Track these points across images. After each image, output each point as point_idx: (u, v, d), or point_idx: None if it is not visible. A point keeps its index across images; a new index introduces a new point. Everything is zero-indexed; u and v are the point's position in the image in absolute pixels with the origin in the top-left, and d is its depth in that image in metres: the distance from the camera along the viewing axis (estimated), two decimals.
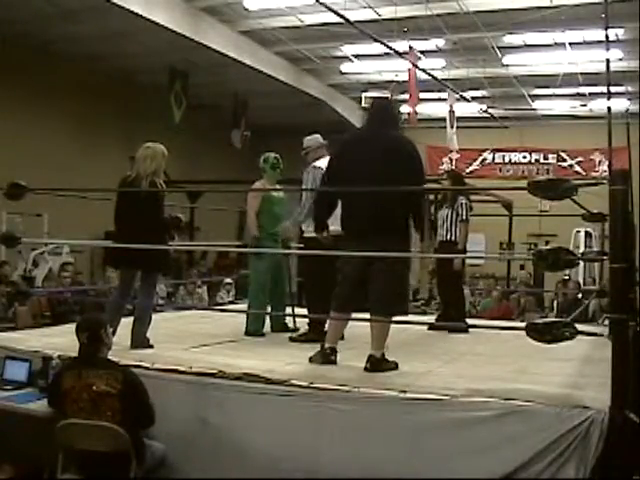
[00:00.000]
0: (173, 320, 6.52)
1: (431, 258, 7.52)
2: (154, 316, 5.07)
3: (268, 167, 5.84)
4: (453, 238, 6.50)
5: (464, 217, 6.51)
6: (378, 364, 4.17)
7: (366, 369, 4.15)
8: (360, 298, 4.32)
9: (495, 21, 11.16)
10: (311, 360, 4.32)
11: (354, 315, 4.43)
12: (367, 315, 4.33)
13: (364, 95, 14.92)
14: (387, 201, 4.18)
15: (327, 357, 4.29)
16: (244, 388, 3.80)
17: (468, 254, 7.48)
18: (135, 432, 3.54)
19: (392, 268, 4.21)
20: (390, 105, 4.75)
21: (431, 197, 11.80)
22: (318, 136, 5.69)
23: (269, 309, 5.85)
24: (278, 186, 5.94)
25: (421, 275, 12.53)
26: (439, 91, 14.07)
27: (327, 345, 4.33)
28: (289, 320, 5.95)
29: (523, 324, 3.60)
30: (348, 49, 13.52)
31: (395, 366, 4.23)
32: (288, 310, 6.04)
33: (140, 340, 4.76)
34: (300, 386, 3.72)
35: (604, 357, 3.63)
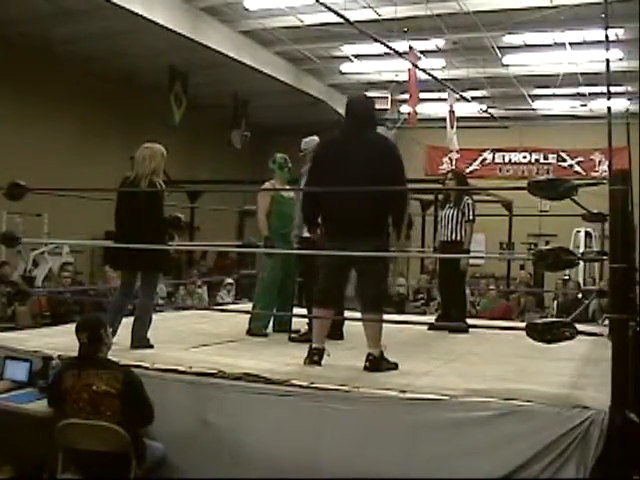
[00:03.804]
0: (173, 320, 6.52)
1: (433, 258, 7.52)
2: (154, 316, 5.07)
3: (276, 167, 5.86)
4: (458, 238, 6.46)
5: (470, 217, 6.48)
6: (377, 363, 4.18)
7: (366, 368, 4.16)
8: (340, 294, 4.44)
9: (495, 21, 11.16)
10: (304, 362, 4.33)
11: (352, 315, 4.45)
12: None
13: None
14: (366, 202, 4.20)
15: (311, 358, 4.30)
16: (244, 388, 3.80)
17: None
18: (135, 432, 3.54)
19: (375, 267, 4.26)
20: (366, 102, 4.68)
21: (431, 197, 11.82)
22: (316, 138, 5.68)
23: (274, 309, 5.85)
24: (287, 186, 5.94)
25: (411, 274, 12.54)
26: (439, 91, 14.07)
27: (314, 345, 4.34)
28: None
29: (523, 324, 3.60)
30: (348, 49, 13.52)
31: (395, 366, 4.24)
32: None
33: (140, 340, 4.76)
34: (300, 386, 3.72)
35: (604, 357, 3.64)
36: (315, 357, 4.29)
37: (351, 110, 4.53)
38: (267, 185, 5.88)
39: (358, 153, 4.28)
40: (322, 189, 4.39)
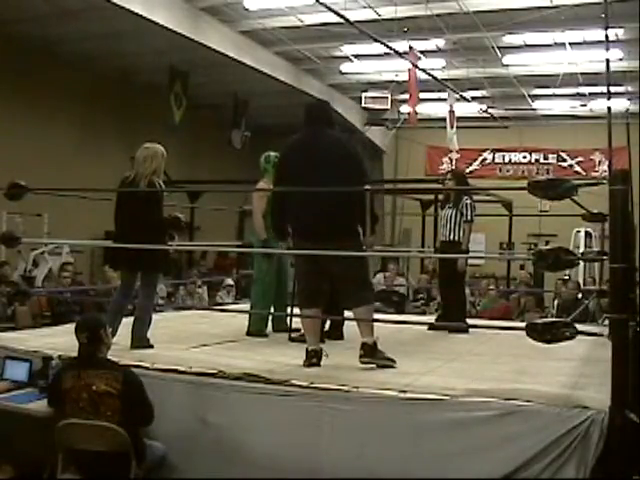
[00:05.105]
0: (173, 320, 6.52)
1: (433, 258, 7.52)
2: (154, 316, 5.07)
3: (270, 167, 5.78)
4: (457, 238, 6.46)
5: (469, 217, 6.47)
6: (372, 351, 4.23)
7: (361, 356, 4.21)
8: (322, 293, 4.49)
9: (495, 21, 11.15)
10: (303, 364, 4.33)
11: (351, 315, 4.47)
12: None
13: (364, 95, 14.97)
14: (329, 202, 4.23)
15: (310, 359, 4.32)
16: (244, 388, 3.80)
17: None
18: (135, 432, 3.54)
19: (351, 265, 4.29)
20: (323, 105, 4.80)
21: (431, 197, 11.83)
22: None
23: (272, 309, 5.85)
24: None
25: (411, 274, 12.55)
26: (439, 91, 14.07)
27: (310, 348, 4.36)
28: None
29: (523, 324, 3.60)
30: (348, 49, 13.52)
31: (392, 361, 4.26)
32: (289, 310, 6.04)
33: (140, 340, 4.76)
34: (300, 386, 3.72)
35: (604, 357, 3.63)
36: (313, 359, 4.31)
37: (309, 114, 4.58)
38: (262, 185, 5.74)
39: (317, 155, 4.35)
40: (295, 188, 4.41)
